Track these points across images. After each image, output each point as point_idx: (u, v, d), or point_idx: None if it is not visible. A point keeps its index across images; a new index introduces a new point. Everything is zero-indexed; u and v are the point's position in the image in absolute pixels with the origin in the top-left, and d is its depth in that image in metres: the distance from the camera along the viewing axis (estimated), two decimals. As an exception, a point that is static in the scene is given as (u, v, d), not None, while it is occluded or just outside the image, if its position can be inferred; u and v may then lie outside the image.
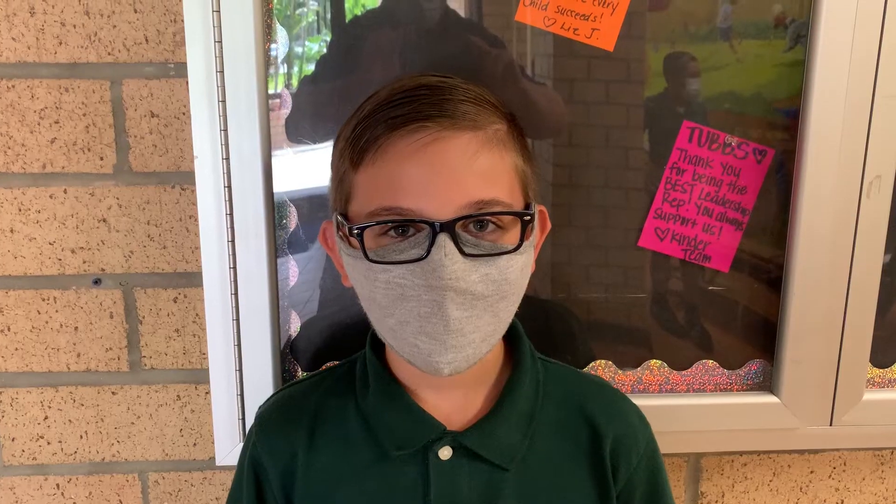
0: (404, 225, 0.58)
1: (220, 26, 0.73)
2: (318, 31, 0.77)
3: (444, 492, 0.64)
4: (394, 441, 0.65)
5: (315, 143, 0.79)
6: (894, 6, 0.74)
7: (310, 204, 0.80)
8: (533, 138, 0.78)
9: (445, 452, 0.65)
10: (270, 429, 0.70)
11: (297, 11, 0.76)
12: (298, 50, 0.77)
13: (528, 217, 0.60)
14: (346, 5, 0.76)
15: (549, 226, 0.69)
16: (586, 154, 0.81)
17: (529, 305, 0.66)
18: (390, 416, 0.66)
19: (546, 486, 0.67)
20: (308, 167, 0.79)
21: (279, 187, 0.78)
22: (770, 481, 0.94)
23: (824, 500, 0.96)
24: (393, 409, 0.66)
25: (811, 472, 0.95)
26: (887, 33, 0.75)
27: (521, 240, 0.60)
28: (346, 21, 0.76)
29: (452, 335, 0.58)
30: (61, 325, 0.84)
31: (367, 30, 0.77)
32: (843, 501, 0.96)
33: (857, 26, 0.75)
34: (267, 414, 0.71)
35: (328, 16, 0.77)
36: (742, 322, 0.85)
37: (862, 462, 0.95)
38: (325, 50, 0.77)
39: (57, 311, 0.83)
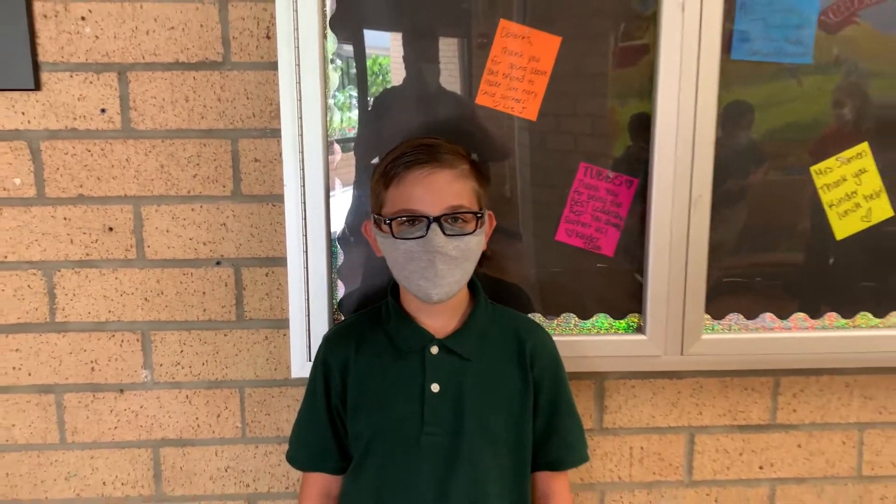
0: (413, 218, 1.07)
1: (302, 109, 1.23)
2: (354, 109, 1.28)
3: (434, 373, 1.13)
4: (405, 344, 1.14)
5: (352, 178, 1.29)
6: (706, 73, 1.25)
7: (351, 215, 1.30)
8: (491, 165, 1.28)
9: (434, 350, 1.14)
10: (333, 344, 1.19)
11: (347, 100, 1.27)
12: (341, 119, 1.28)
13: (480, 215, 1.10)
14: (371, 90, 1.27)
15: (494, 223, 1.19)
16: (526, 183, 1.31)
17: (491, 272, 1.16)
18: (403, 331, 1.15)
19: (490, 372, 1.15)
20: (347, 198, 1.29)
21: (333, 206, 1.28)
22: (651, 398, 1.43)
23: (688, 412, 1.44)
24: (405, 327, 1.15)
25: (678, 392, 1.43)
26: (701, 95, 1.25)
27: (476, 227, 1.09)
28: (377, 96, 1.27)
29: (438, 278, 1.08)
30: (195, 291, 1.33)
31: (389, 101, 1.27)
32: (701, 413, 1.44)
33: (681, 90, 1.25)
34: (330, 335, 1.21)
35: (363, 97, 1.28)
36: (622, 288, 1.34)
37: (712, 385, 1.43)
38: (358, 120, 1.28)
39: (192, 282, 1.33)
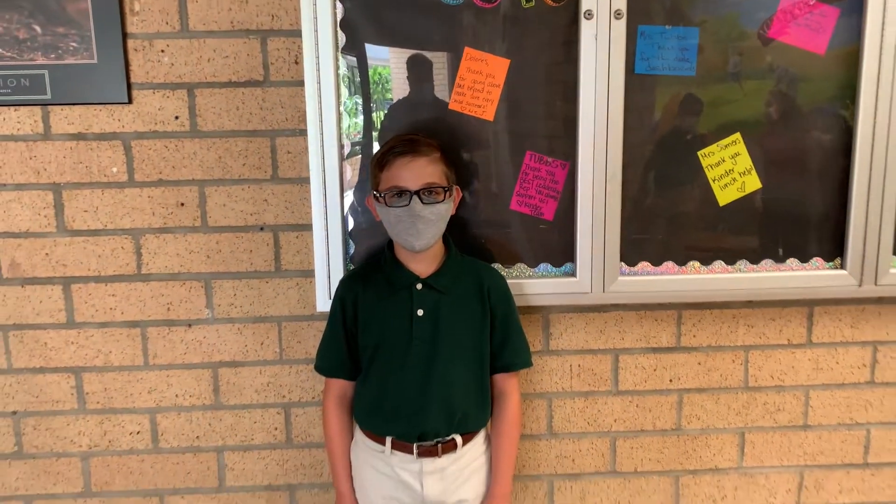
0: (400, 192, 1.54)
1: (322, 115, 1.69)
2: (360, 113, 1.74)
3: (419, 302, 1.60)
4: (398, 283, 1.61)
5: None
6: (615, 85, 1.71)
7: (358, 192, 1.77)
8: (462, 153, 1.74)
9: (419, 286, 1.61)
10: (347, 285, 1.66)
11: (352, 107, 1.73)
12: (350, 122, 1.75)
13: (448, 189, 1.56)
14: (375, 96, 1.74)
15: (460, 195, 1.65)
16: (488, 166, 1.77)
17: (464, 233, 1.63)
18: (396, 273, 1.62)
19: (459, 302, 1.62)
20: (355, 180, 1.76)
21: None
22: (584, 327, 1.89)
23: (613, 338, 1.90)
24: (398, 270, 1.62)
25: (605, 322, 1.90)
26: (611, 99, 1.71)
27: (445, 198, 1.56)
28: (388, 105, 1.73)
29: (419, 234, 1.54)
30: (244, 250, 1.81)
31: (396, 109, 1.74)
32: (623, 338, 1.91)
33: (597, 96, 1.71)
34: (345, 279, 1.68)
35: (368, 104, 1.74)
36: (559, 243, 1.80)
37: (630, 317, 1.90)
38: (361, 124, 1.75)
39: (242, 243, 1.80)
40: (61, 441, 1.88)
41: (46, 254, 1.79)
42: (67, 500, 1.91)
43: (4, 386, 1.85)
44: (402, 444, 1.62)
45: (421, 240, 1.55)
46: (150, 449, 1.89)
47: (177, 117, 1.74)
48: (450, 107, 1.74)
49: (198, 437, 1.89)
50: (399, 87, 1.74)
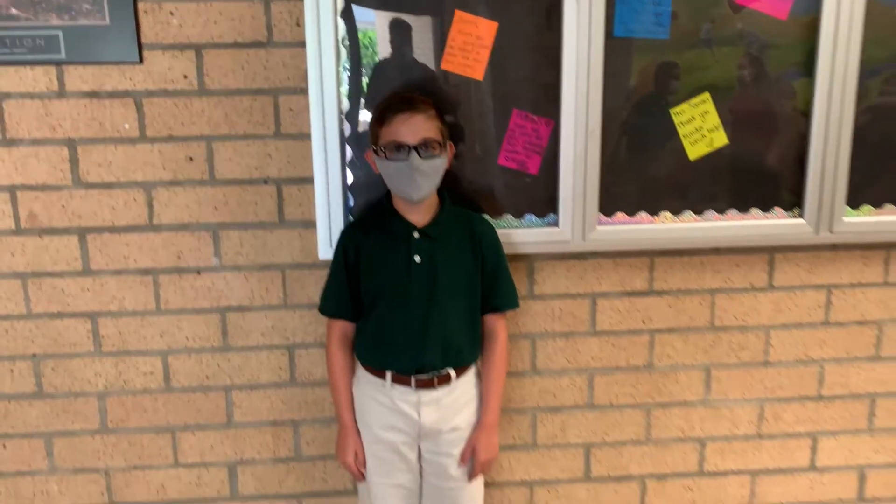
0: (399, 146, 1.67)
1: (322, 74, 1.81)
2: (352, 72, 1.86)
3: (416, 249, 1.74)
4: (397, 232, 1.75)
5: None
6: (595, 47, 1.85)
7: (355, 145, 1.89)
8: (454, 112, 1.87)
9: (416, 235, 1.75)
10: (349, 234, 1.80)
11: (345, 72, 1.85)
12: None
13: (443, 144, 1.70)
14: (364, 60, 1.85)
15: (454, 151, 1.79)
16: (478, 125, 1.91)
17: (457, 185, 1.77)
18: (395, 223, 1.76)
19: (452, 249, 1.77)
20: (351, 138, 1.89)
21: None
22: (566, 273, 2.05)
23: (591, 283, 2.06)
24: (396, 220, 1.76)
25: (584, 269, 2.05)
26: (592, 61, 1.85)
27: (440, 152, 1.69)
28: (372, 67, 1.85)
29: (417, 186, 1.68)
30: (249, 202, 1.93)
31: (380, 70, 1.86)
32: (600, 283, 2.07)
33: (578, 58, 1.85)
34: (347, 228, 1.82)
35: (359, 65, 1.86)
36: (543, 195, 1.95)
37: (607, 263, 2.06)
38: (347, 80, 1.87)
39: (248, 195, 1.93)
40: (79, 381, 2.01)
41: (63, 206, 1.90)
42: (85, 437, 2.05)
43: (24, 330, 1.97)
44: (401, 378, 1.78)
45: (419, 191, 1.69)
46: (162, 388, 2.03)
47: (185, 76, 1.85)
48: (441, 66, 1.86)
49: (207, 377, 2.04)
50: (384, 50, 1.86)
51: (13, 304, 1.95)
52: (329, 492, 2.13)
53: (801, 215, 2.00)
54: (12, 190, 1.88)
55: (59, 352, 1.99)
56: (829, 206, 1.98)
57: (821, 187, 1.97)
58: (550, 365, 2.10)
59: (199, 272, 1.97)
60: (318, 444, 2.09)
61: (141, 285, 1.97)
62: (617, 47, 1.87)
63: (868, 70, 1.93)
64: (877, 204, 2.02)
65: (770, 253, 2.07)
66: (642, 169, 1.97)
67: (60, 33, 1.78)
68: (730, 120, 1.94)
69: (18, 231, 1.91)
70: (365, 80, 1.86)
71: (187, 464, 2.08)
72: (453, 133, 1.85)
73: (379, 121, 1.70)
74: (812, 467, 2.22)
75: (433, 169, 1.69)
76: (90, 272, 1.95)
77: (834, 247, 2.07)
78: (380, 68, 1.87)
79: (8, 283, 1.94)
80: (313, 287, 1.99)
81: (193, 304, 1.99)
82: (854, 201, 2.01)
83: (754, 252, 2.06)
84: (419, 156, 1.66)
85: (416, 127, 1.66)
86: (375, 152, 1.71)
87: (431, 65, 1.87)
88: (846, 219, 2.00)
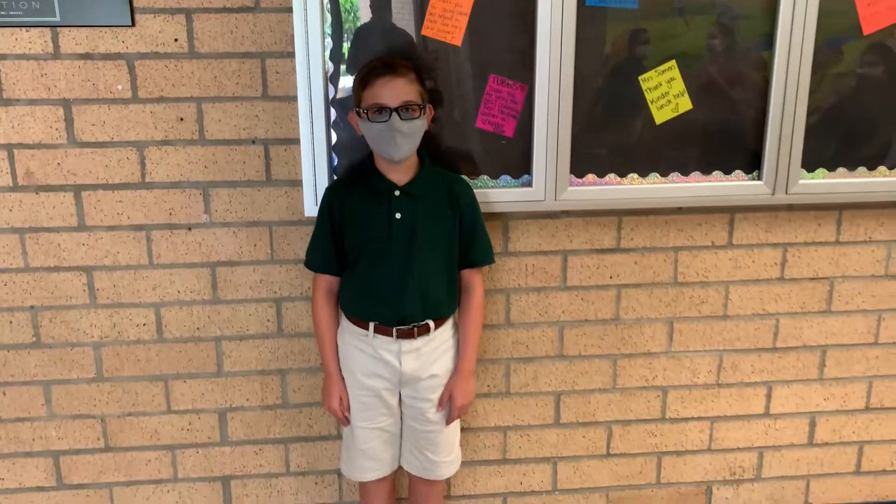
0: (381, 109, 1.77)
1: (308, 38, 1.90)
2: (340, 40, 1.95)
3: (397, 206, 1.85)
4: (379, 190, 1.86)
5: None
6: (567, 15, 1.95)
7: (339, 109, 1.99)
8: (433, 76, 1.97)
9: (397, 192, 1.86)
10: (334, 192, 1.91)
11: (328, 36, 1.94)
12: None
13: (423, 107, 1.80)
14: (346, 25, 1.94)
15: (433, 113, 1.89)
16: (455, 90, 2.01)
17: (436, 147, 1.87)
18: (377, 182, 1.86)
19: (432, 206, 1.88)
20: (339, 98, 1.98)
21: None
22: (538, 231, 2.17)
23: (562, 240, 2.19)
24: (378, 179, 1.87)
25: (556, 227, 2.17)
26: (565, 29, 1.95)
27: (420, 114, 1.79)
28: (354, 31, 1.94)
29: (397, 146, 1.78)
30: (238, 161, 2.02)
31: (361, 35, 1.95)
32: (571, 241, 2.19)
33: (552, 26, 1.94)
34: (332, 186, 1.92)
35: (341, 30, 1.94)
36: (518, 157, 2.06)
37: (577, 222, 2.17)
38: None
39: (236, 155, 2.02)
40: (75, 332, 2.11)
41: (58, 163, 1.98)
42: (82, 385, 2.15)
43: (22, 283, 2.06)
44: (383, 329, 1.90)
45: (399, 152, 1.79)
46: (155, 339, 2.14)
47: (176, 39, 1.93)
48: (422, 32, 1.95)
49: (198, 328, 2.14)
50: (365, 15, 1.95)
51: (11, 258, 2.04)
52: (314, 437, 2.25)
53: (759, 178, 2.12)
54: (9, 148, 1.96)
55: (56, 304, 2.09)
56: (786, 170, 2.11)
57: (778, 152, 2.09)
58: (523, 318, 2.23)
59: (189, 228, 2.07)
60: (304, 392, 2.22)
61: (134, 241, 2.06)
62: (590, 15, 1.97)
63: (825, 40, 2.04)
64: (830, 167, 2.15)
65: (730, 213, 2.20)
66: (612, 133, 2.08)
67: (54, -4, 1.85)
68: (696, 87, 2.05)
69: (16, 188, 1.99)
70: (346, 44, 1.95)
71: (179, 410, 2.20)
72: (433, 97, 1.94)
73: (362, 84, 1.80)
74: (767, 414, 2.38)
75: (413, 130, 1.79)
76: (85, 228, 2.04)
77: (790, 207, 2.21)
78: (361, 33, 1.95)
79: (6, 237, 2.02)
80: (299, 243, 2.10)
81: (185, 259, 2.09)
82: (809, 165, 2.14)
83: (715, 212, 2.19)
84: (400, 117, 1.76)
85: (397, 90, 1.76)
86: (358, 114, 1.81)
87: (411, 31, 1.96)
88: (802, 181, 2.13)
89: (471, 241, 1.94)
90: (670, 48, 2.03)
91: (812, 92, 2.06)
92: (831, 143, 2.14)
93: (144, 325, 2.13)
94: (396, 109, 1.75)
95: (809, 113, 2.07)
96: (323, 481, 2.29)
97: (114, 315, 2.11)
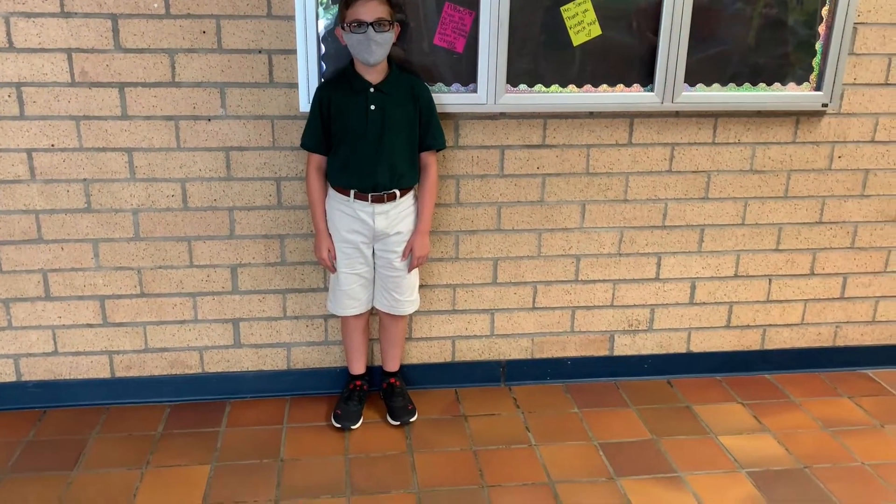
0: (360, 23, 2.35)
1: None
2: (331, -29, 2.52)
3: (372, 100, 2.46)
4: (357, 87, 2.46)
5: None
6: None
7: (329, 25, 2.56)
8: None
9: (371, 90, 2.46)
10: (323, 89, 2.51)
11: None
12: None
13: (392, 23, 2.39)
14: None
15: (399, 29, 2.48)
16: (419, 13, 2.59)
17: (403, 59, 2.46)
18: (356, 81, 2.47)
19: (398, 101, 2.49)
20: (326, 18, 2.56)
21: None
22: (482, 129, 2.77)
23: (501, 137, 2.80)
24: (357, 79, 2.47)
25: (496, 126, 2.78)
26: (502, -24, 2.54)
27: (389, 29, 2.38)
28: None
29: (372, 53, 2.38)
30: (248, 67, 2.59)
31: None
32: (507, 137, 2.81)
33: (494, -26, 2.53)
34: (321, 85, 2.52)
35: (335, -34, 2.51)
36: (467, 69, 2.66)
37: (512, 123, 2.79)
38: (334, -23, 2.52)
39: (246, 61, 2.58)
40: (118, 201, 2.70)
41: (107, 65, 2.54)
42: (122, 243, 2.75)
43: (77, 160, 2.63)
44: (360, 195, 2.52)
45: (373, 57, 2.39)
46: (181, 207, 2.73)
47: (200, -31, 2.49)
48: (393, -31, 2.53)
49: (215, 199, 2.74)
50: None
51: (69, 140, 2.61)
52: (306, 289, 2.88)
53: (652, 90, 2.76)
54: (69, 52, 2.51)
55: (104, 177, 2.66)
56: (672, 83, 2.74)
57: (666, 69, 2.72)
58: (469, 199, 2.86)
59: (209, 119, 2.65)
60: (299, 253, 2.84)
61: (165, 128, 2.64)
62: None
63: (704, -18, 2.66)
64: (708, 83, 2.79)
65: (630, 118, 2.83)
66: (540, 52, 2.69)
67: (108, -69, 2.39)
68: (605, 17, 2.66)
69: (73, 84, 2.55)
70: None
71: (200, 265, 2.81)
72: (401, 21, 2.53)
73: (346, 4, 2.38)
74: (657, 278, 3.06)
75: (385, 40, 2.38)
76: (127, 117, 2.61)
77: (676, 114, 2.85)
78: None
79: (65, 123, 2.59)
80: (295, 133, 2.69)
81: (205, 144, 2.67)
82: (691, 80, 2.77)
83: (618, 117, 2.82)
84: (374, 30, 2.35)
85: (372, 9, 2.34)
86: (342, 28, 2.40)
87: (385, -34, 2.53)
88: (685, 93, 2.77)
89: (427, 129, 2.56)
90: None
91: (693, 21, 2.68)
92: (708, 62, 2.78)
93: (173, 196, 2.72)
94: (372, 24, 2.34)
95: (691, 37, 2.70)
96: (312, 324, 2.93)
97: (149, 187, 2.70)
